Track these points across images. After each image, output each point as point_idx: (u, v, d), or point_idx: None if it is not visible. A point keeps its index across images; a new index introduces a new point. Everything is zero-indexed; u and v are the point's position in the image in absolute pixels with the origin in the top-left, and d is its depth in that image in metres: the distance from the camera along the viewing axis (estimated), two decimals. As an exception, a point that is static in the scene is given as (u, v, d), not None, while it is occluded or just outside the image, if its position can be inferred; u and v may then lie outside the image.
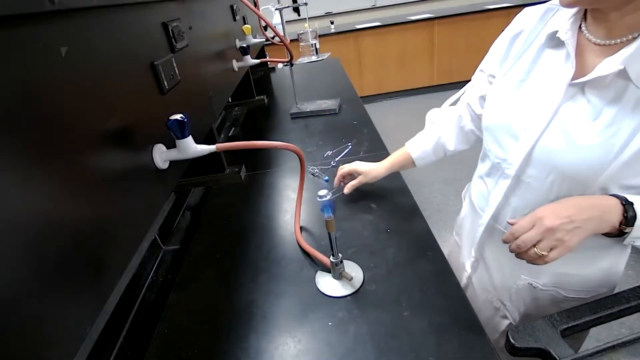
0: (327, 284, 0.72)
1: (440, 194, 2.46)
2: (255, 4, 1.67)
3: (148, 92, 0.54)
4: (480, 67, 0.80)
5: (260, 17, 1.34)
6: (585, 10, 0.59)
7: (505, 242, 0.62)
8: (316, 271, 0.76)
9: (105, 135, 0.41)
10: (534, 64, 0.66)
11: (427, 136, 0.93)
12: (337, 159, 1.18)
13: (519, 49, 0.69)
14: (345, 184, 0.98)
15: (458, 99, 0.90)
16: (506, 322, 0.87)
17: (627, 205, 0.55)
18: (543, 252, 0.56)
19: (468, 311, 0.63)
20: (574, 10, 0.60)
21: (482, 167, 0.81)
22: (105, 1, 0.43)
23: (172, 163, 0.57)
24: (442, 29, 4.01)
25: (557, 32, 0.61)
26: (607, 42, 0.55)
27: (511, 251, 0.61)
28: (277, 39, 1.60)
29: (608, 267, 0.73)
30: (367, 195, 0.98)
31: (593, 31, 0.58)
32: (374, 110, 3.91)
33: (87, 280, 0.35)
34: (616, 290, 0.70)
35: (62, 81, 0.35)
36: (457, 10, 4.06)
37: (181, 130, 0.52)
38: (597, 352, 0.53)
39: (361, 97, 1.78)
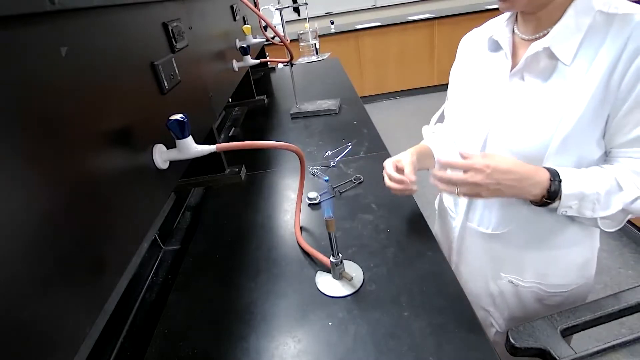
0: (327, 284, 0.72)
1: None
2: (256, 4, 1.68)
3: (148, 92, 0.54)
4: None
5: (260, 17, 1.34)
6: (516, 16, 0.69)
7: (441, 162, 0.67)
8: (316, 271, 0.76)
9: (105, 135, 0.41)
10: (480, 67, 0.75)
11: (437, 139, 0.91)
12: (337, 159, 1.18)
13: (468, 61, 0.79)
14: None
15: (442, 114, 0.95)
16: (493, 330, 0.89)
17: (553, 181, 0.60)
18: (460, 195, 0.65)
19: (468, 311, 0.63)
20: (507, 16, 0.70)
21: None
22: (105, 1, 0.43)
23: (172, 163, 0.57)
24: (442, 29, 4.01)
25: (493, 35, 0.71)
26: (536, 36, 0.64)
27: (435, 174, 0.66)
28: (277, 39, 1.60)
29: (582, 261, 0.77)
30: (367, 195, 0.98)
31: (524, 30, 0.67)
32: (374, 110, 3.91)
33: (87, 280, 0.35)
34: (611, 290, 0.71)
35: (62, 81, 0.35)
36: (457, 10, 4.06)
37: (181, 130, 0.52)
38: (597, 352, 0.53)
39: (361, 97, 1.78)
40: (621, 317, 0.60)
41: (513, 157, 0.64)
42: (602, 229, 0.66)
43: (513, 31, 0.69)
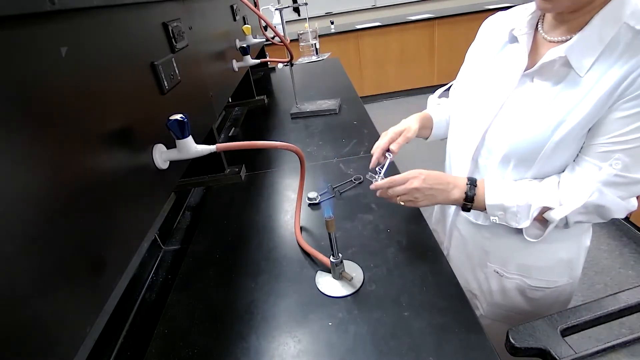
0: (327, 284, 0.72)
1: (440, 194, 2.44)
2: (256, 4, 1.68)
3: (148, 92, 0.54)
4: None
5: (260, 17, 1.34)
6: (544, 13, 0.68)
7: (378, 187, 0.74)
8: (316, 271, 0.76)
9: (105, 135, 0.41)
10: (496, 59, 0.74)
11: (440, 111, 0.95)
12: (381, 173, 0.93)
13: (486, 47, 0.77)
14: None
15: (448, 89, 0.97)
16: (477, 312, 0.91)
17: (470, 185, 0.70)
18: (401, 202, 0.73)
19: (468, 311, 0.63)
20: (532, 10, 0.67)
21: (448, 155, 0.88)
22: (105, 1, 0.43)
23: (172, 163, 0.57)
24: (442, 29, 4.01)
25: (514, 29, 0.69)
26: (559, 38, 0.63)
27: (379, 193, 0.75)
28: (277, 39, 1.60)
29: (567, 259, 0.79)
30: (367, 195, 0.98)
31: (548, 30, 0.66)
32: (374, 110, 3.91)
33: (87, 280, 0.35)
34: (611, 290, 0.72)
35: (62, 81, 0.35)
36: (457, 10, 4.06)
37: (181, 130, 0.52)
38: (597, 352, 0.53)
39: (361, 97, 1.77)
40: (621, 317, 0.60)
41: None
42: (528, 239, 0.72)
43: (537, 27, 0.68)
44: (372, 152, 0.85)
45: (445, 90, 0.99)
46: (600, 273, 1.76)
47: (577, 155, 0.64)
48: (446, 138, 0.96)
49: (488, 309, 0.89)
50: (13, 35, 0.29)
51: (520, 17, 0.69)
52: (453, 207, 0.89)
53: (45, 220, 0.30)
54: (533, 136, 0.64)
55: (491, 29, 0.79)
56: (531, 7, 0.68)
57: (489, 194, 0.69)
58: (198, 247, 0.89)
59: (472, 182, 0.70)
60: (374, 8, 4.52)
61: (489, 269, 0.85)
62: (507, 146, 0.68)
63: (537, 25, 0.68)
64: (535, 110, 0.64)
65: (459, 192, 0.70)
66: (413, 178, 0.70)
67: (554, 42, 0.64)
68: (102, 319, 0.60)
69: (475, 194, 0.70)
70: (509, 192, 0.67)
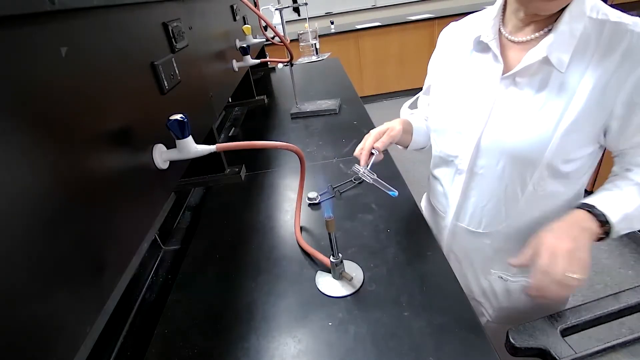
0: (327, 284, 0.72)
1: (440, 194, 2.44)
2: (256, 4, 1.68)
3: (148, 92, 0.54)
4: (426, 80, 0.89)
5: (260, 17, 1.34)
6: (503, 16, 0.69)
7: (533, 288, 0.61)
8: (316, 271, 0.76)
9: (105, 135, 0.41)
10: (466, 67, 0.74)
11: (417, 118, 0.92)
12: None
13: (450, 57, 0.78)
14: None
15: (414, 102, 0.98)
16: (483, 319, 0.92)
17: (591, 209, 0.62)
18: (575, 275, 0.56)
19: (468, 311, 0.63)
20: (494, 15, 0.69)
21: (436, 170, 0.86)
22: (105, 1, 0.43)
23: (172, 163, 0.57)
24: (442, 29, 4.01)
25: (480, 36, 0.70)
26: (525, 38, 0.65)
27: (538, 288, 0.59)
28: (277, 39, 1.60)
29: None
30: (367, 195, 0.98)
31: (513, 33, 0.67)
32: (374, 110, 3.91)
33: (87, 280, 0.35)
34: (611, 290, 0.71)
35: (62, 81, 0.35)
36: (457, 10, 4.06)
37: (181, 130, 0.52)
38: (597, 352, 0.53)
39: (361, 97, 1.77)
40: (621, 317, 0.60)
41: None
42: None
43: (500, 31, 0.69)
44: (355, 154, 0.79)
45: (414, 102, 0.99)
46: (600, 273, 1.76)
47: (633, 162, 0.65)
48: (423, 148, 0.95)
49: (495, 314, 0.88)
50: (13, 35, 0.29)
51: (480, 24, 0.71)
52: (449, 219, 0.85)
53: (45, 220, 0.30)
54: (537, 135, 0.64)
55: (451, 39, 0.80)
56: (490, 12, 0.70)
57: (610, 211, 0.61)
58: (198, 247, 0.89)
59: (590, 207, 0.63)
60: (374, 8, 4.52)
61: (493, 276, 0.84)
62: (510, 149, 0.67)
63: (499, 30, 0.69)
64: (527, 113, 0.65)
65: (592, 223, 0.61)
66: (551, 246, 0.59)
67: (520, 42, 0.66)
68: (102, 319, 0.60)
69: (600, 212, 0.62)
70: (621, 200, 0.63)
